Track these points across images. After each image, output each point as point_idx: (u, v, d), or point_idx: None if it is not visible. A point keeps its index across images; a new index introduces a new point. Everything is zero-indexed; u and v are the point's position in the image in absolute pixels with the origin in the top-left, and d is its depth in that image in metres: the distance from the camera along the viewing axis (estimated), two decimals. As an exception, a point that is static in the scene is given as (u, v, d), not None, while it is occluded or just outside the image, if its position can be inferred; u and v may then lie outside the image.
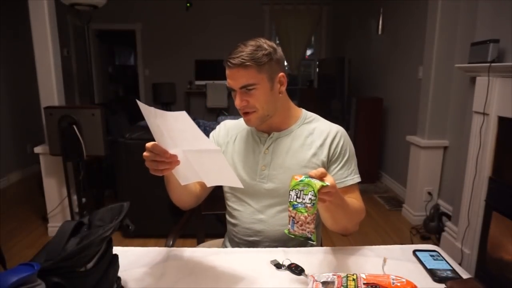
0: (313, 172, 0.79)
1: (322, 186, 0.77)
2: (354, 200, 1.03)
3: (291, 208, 0.78)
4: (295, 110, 1.14)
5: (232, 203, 1.17)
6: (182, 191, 1.06)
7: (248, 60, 0.97)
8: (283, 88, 1.07)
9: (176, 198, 1.07)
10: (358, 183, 1.08)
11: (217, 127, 1.24)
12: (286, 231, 0.81)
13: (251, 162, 1.11)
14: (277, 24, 5.98)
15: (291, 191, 0.79)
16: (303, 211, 0.76)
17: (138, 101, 0.83)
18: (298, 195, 0.77)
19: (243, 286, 0.83)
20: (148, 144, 0.84)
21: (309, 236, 0.78)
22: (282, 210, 1.07)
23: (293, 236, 0.80)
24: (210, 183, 0.96)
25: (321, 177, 0.79)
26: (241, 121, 1.21)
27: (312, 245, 1.09)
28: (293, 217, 0.78)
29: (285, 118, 1.11)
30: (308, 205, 0.76)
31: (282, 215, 1.07)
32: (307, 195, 0.76)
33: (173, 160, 0.86)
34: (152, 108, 0.79)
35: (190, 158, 0.86)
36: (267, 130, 1.12)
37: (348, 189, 1.05)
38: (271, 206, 1.09)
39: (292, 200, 0.78)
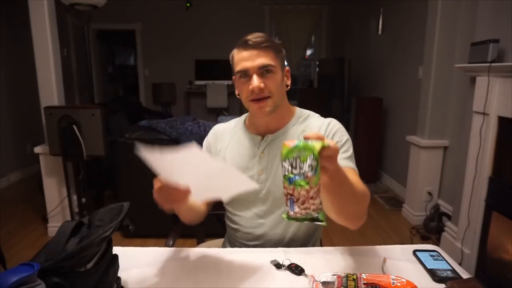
0: (309, 134, 0.66)
1: (323, 148, 0.62)
2: (357, 180, 0.94)
3: (287, 184, 0.63)
4: (290, 108, 1.13)
5: (231, 207, 1.15)
6: (191, 213, 1.07)
7: (269, 42, 0.98)
8: (289, 82, 1.07)
9: (184, 218, 1.07)
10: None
11: (209, 133, 1.20)
12: (284, 216, 0.68)
13: (247, 168, 1.08)
14: (277, 24, 5.98)
15: (284, 162, 0.63)
16: (303, 183, 0.62)
17: (140, 149, 0.73)
18: (294, 165, 0.63)
19: (243, 286, 0.83)
20: (156, 187, 0.83)
21: (315, 215, 0.63)
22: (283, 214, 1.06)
23: (294, 221, 0.67)
24: (227, 196, 0.96)
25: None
26: (231, 124, 1.18)
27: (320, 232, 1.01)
28: (291, 195, 0.64)
29: (283, 114, 1.08)
30: (309, 173, 0.61)
31: (283, 219, 1.06)
32: (306, 161, 0.62)
33: (185, 194, 0.84)
34: (157, 151, 0.73)
35: (201, 182, 0.84)
36: (261, 131, 1.09)
37: (348, 171, 0.94)
38: (271, 210, 1.08)
39: (287, 173, 0.63)
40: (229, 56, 1.05)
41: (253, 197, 1.09)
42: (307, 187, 0.61)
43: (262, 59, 0.97)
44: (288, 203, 0.65)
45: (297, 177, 0.62)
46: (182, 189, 0.83)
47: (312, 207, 0.63)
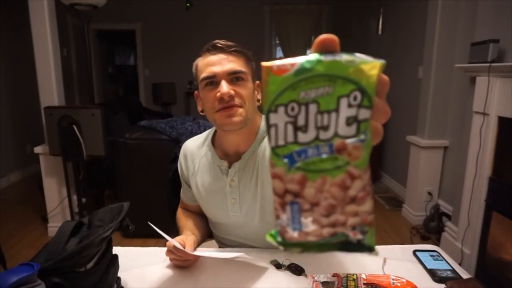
0: (323, 37, 0.29)
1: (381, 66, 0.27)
2: None
3: (283, 171, 0.28)
4: (258, 119, 0.97)
5: (212, 227, 1.13)
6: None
7: (240, 48, 0.88)
8: (259, 97, 0.94)
9: None
10: None
11: (180, 153, 1.08)
12: (271, 238, 0.31)
13: (219, 197, 0.99)
14: (277, 24, 5.98)
15: (271, 116, 0.28)
16: (330, 166, 0.28)
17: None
18: (301, 121, 0.27)
19: (242, 286, 0.83)
20: (169, 247, 0.87)
21: (357, 237, 0.29)
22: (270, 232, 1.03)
23: (300, 250, 0.30)
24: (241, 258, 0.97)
25: (331, 47, 0.28)
26: (200, 140, 1.06)
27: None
28: (297, 195, 0.29)
29: (250, 131, 0.94)
30: (351, 141, 0.29)
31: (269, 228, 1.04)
32: (336, 110, 0.27)
33: (196, 257, 0.90)
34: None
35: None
36: (231, 153, 0.96)
37: None
38: (252, 232, 1.00)
39: (282, 143, 0.28)
40: None
41: (230, 225, 1.03)
42: (340, 175, 0.28)
43: (232, 64, 0.86)
44: (288, 214, 0.29)
45: (311, 152, 0.27)
46: (192, 257, 0.88)
47: (352, 220, 0.28)
